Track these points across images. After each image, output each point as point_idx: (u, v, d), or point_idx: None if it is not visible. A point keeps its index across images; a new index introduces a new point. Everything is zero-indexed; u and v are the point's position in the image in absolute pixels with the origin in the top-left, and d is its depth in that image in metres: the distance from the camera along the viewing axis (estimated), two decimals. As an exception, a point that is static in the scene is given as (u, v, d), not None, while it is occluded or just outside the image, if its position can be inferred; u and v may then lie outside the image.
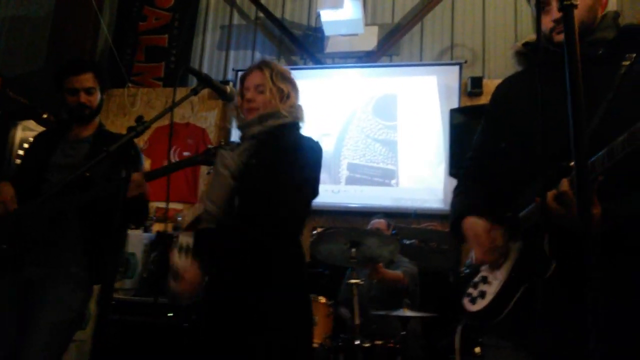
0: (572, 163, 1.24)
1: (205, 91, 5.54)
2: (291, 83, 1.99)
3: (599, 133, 1.25)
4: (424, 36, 5.23)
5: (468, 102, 4.74)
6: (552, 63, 1.44)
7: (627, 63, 1.33)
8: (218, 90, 1.88)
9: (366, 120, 5.07)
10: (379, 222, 3.84)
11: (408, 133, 4.92)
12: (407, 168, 4.87)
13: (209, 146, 2.08)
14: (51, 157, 2.29)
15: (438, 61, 5.09)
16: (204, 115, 5.43)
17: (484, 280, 1.46)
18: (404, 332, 3.06)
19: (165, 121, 5.55)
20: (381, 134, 5.01)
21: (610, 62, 1.35)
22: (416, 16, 5.16)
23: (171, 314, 3.62)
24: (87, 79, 2.32)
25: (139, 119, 1.74)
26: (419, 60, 5.17)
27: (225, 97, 1.90)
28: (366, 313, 3.34)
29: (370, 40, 5.22)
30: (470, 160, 1.66)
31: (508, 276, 1.38)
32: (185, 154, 5.28)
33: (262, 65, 1.95)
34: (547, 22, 1.43)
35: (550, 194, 1.23)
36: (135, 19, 5.87)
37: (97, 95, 2.36)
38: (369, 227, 3.87)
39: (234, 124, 2.05)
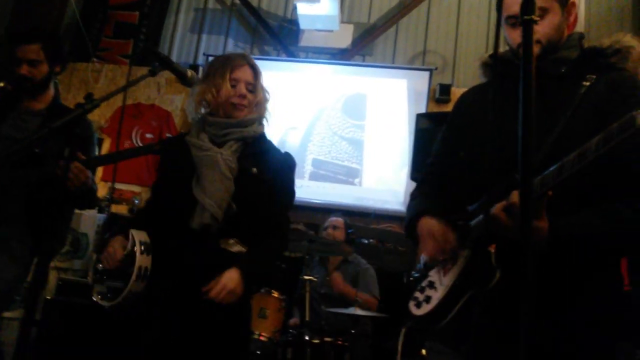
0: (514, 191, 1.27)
1: (188, 72, 5.41)
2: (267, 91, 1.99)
3: (554, 149, 1.27)
4: (398, 39, 5.26)
5: (435, 108, 4.80)
6: (516, 77, 1.46)
7: (587, 83, 1.35)
8: (178, 73, 1.81)
9: (335, 118, 5.07)
10: (336, 220, 3.85)
11: (375, 134, 4.95)
12: (371, 168, 4.90)
13: (168, 135, 2.02)
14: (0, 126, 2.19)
15: (410, 65, 5.14)
16: (170, 97, 5.31)
17: (431, 285, 1.47)
18: (353, 331, 3.09)
19: (128, 100, 5.39)
20: (348, 132, 5.02)
21: (571, 80, 1.37)
22: (392, 18, 5.19)
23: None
24: (32, 50, 2.20)
25: (88, 97, 1.67)
26: (392, 63, 5.20)
27: (185, 82, 1.84)
28: (317, 309, 3.35)
29: (345, 37, 5.21)
30: (429, 166, 1.67)
31: (453, 283, 1.39)
32: (148, 135, 5.16)
33: (252, 62, 1.91)
34: (515, 37, 1.44)
35: (499, 205, 1.24)
36: (107, -8, 5.69)
37: (43, 68, 2.24)
38: (326, 224, 3.88)
39: (191, 108, 1.92)
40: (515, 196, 1.22)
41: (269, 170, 1.83)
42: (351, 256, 3.74)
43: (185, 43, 5.58)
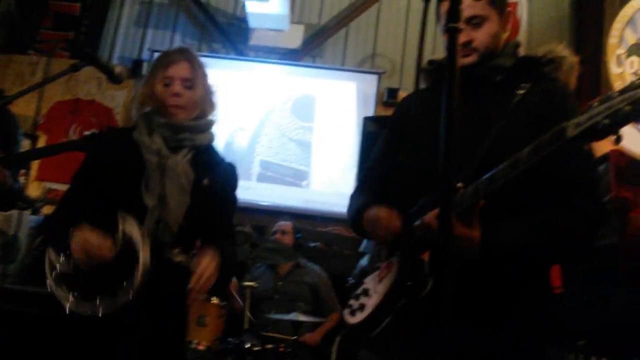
0: (460, 184, 1.27)
1: (116, 68, 5.19)
2: (208, 79, 1.83)
3: (487, 157, 1.28)
4: (348, 42, 5.26)
5: (383, 112, 4.82)
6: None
7: (521, 92, 1.37)
8: (104, 69, 1.70)
9: (283, 119, 5.01)
10: (285, 225, 3.79)
11: (323, 136, 4.93)
12: (319, 171, 4.88)
13: (92, 132, 1.88)
14: None
15: (359, 68, 5.15)
16: (111, 94, 5.09)
17: (366, 292, 1.45)
18: (295, 337, 3.04)
19: (66, 95, 5.16)
20: (297, 134, 4.97)
21: (506, 88, 1.39)
22: (342, 20, 5.18)
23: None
24: None
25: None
26: (342, 65, 5.19)
27: (113, 79, 1.72)
28: (261, 316, 3.29)
29: (295, 38, 5.16)
30: (368, 170, 1.66)
31: (387, 291, 1.37)
32: (87, 133, 4.92)
33: (189, 57, 1.75)
34: None
35: (432, 213, 1.23)
36: (46, -19, 5.40)
37: None
38: (274, 229, 3.81)
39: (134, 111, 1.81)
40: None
41: (218, 181, 1.74)
42: (302, 261, 3.70)
43: (129, 37, 5.38)
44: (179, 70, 1.72)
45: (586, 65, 4.52)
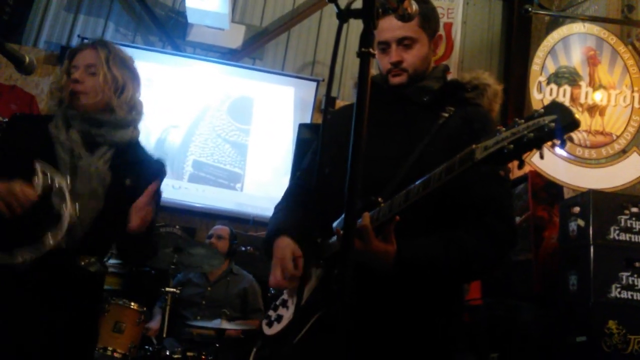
0: (380, 199, 1.30)
1: (41, 53, 4.91)
2: (131, 72, 1.75)
3: (408, 175, 1.31)
4: (289, 46, 5.24)
5: (320, 119, 4.85)
6: (382, 101, 1.49)
7: (445, 115, 1.43)
8: (11, 58, 1.54)
9: (219, 119, 4.91)
10: (222, 229, 3.70)
11: (259, 139, 4.88)
12: (253, 174, 4.82)
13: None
14: None
15: (298, 74, 5.14)
16: (35, 80, 4.78)
17: (284, 303, 1.45)
18: (218, 345, 2.98)
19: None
20: (233, 135, 4.89)
21: (432, 110, 1.44)
22: (284, 24, 5.16)
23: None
24: None
25: None
26: (281, 69, 5.17)
27: (22, 69, 1.58)
28: (183, 322, 3.20)
29: (235, 38, 5.08)
30: (297, 179, 1.67)
31: (305, 302, 1.36)
32: (5, 120, 4.59)
33: (97, 45, 1.69)
34: (385, 63, 1.49)
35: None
36: (-34, -46, 4.98)
37: None
38: (210, 232, 3.71)
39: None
40: (366, 218, 1.23)
41: (142, 180, 1.66)
42: (234, 268, 3.64)
43: (58, 22, 5.07)
44: (83, 57, 1.67)
45: (513, 89, 4.79)
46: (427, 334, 1.33)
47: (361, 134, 0.93)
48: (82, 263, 1.56)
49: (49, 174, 1.49)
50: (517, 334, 3.06)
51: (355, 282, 1.17)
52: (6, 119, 4.56)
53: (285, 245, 1.42)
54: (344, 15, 1.01)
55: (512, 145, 1.01)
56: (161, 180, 1.76)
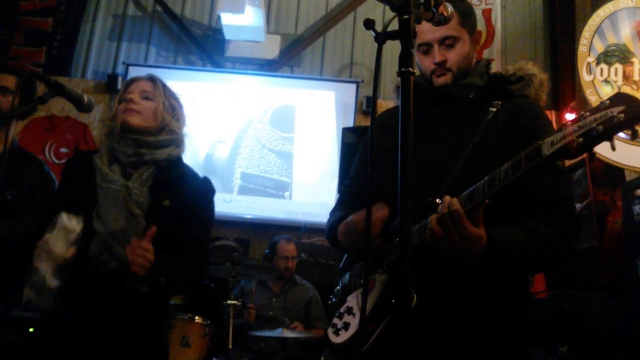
0: (438, 200, 1.28)
1: (90, 83, 5.13)
2: (181, 107, 1.85)
3: (462, 174, 1.31)
4: (325, 51, 5.26)
5: (363, 121, 4.84)
6: (427, 102, 1.48)
7: (493, 109, 1.41)
8: (72, 99, 1.66)
9: (263, 130, 4.99)
10: (289, 250, 3.70)
11: (304, 146, 4.91)
12: (300, 181, 4.86)
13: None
14: None
15: (337, 77, 5.15)
16: (87, 110, 5.01)
17: (349, 311, 1.45)
18: (282, 353, 3.03)
19: (40, 112, 5.06)
20: (277, 144, 4.95)
21: (479, 106, 1.43)
22: (319, 30, 5.18)
23: (32, 330, 3.28)
24: (6, 79, 2.05)
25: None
26: (319, 74, 5.19)
27: (82, 108, 1.70)
28: (246, 333, 3.26)
29: (272, 48, 5.14)
30: (346, 187, 1.68)
31: (372, 309, 1.37)
32: (63, 150, 4.84)
33: (153, 77, 1.80)
34: (428, 64, 1.48)
35: (433, 217, 1.22)
36: (17, -4, 5.29)
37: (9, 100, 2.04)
38: (279, 253, 3.70)
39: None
40: (455, 203, 1.20)
41: (184, 201, 1.71)
42: (296, 278, 3.69)
43: (103, 51, 5.29)
44: (138, 85, 1.76)
45: (561, 72, 4.62)
46: (499, 329, 1.32)
47: (408, 150, 0.95)
48: (132, 285, 1.59)
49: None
50: (586, 325, 2.94)
51: (423, 280, 1.18)
52: (65, 149, 4.82)
53: (355, 215, 1.44)
54: (382, 38, 1.01)
55: (581, 139, 0.99)
56: (211, 197, 1.83)
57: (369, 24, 1.05)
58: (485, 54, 4.67)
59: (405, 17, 1.00)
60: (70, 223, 1.57)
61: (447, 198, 1.21)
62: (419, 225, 1.28)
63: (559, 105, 4.67)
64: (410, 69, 0.97)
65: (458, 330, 1.30)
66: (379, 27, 1.04)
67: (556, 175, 1.34)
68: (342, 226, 1.48)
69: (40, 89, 1.70)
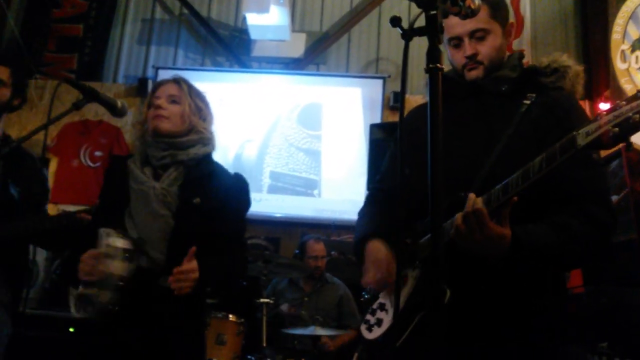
0: (472, 194, 1.27)
1: (121, 87, 5.25)
2: (207, 106, 1.89)
3: (495, 167, 1.30)
4: (351, 47, 5.24)
5: (390, 116, 4.81)
6: (458, 96, 1.46)
7: (527, 102, 1.39)
8: (106, 104, 1.72)
9: (290, 128, 5.01)
10: (318, 250, 3.71)
11: (332, 143, 4.92)
12: (329, 179, 4.87)
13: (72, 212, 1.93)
14: None
15: (363, 73, 5.13)
16: (119, 113, 5.12)
17: (382, 307, 1.45)
18: (315, 351, 3.05)
19: (74, 117, 5.20)
20: (305, 143, 4.97)
21: (512, 99, 1.41)
22: (344, 26, 5.17)
23: (72, 329, 3.39)
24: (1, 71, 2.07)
25: (6, 139, 1.57)
26: (345, 71, 5.18)
27: (116, 113, 1.75)
28: (279, 331, 3.29)
29: (297, 46, 5.16)
30: (377, 183, 1.68)
31: (404, 305, 1.37)
32: (97, 153, 4.97)
33: (178, 79, 1.84)
34: (459, 58, 1.47)
35: (459, 215, 1.22)
36: (49, 5, 5.44)
37: (6, 93, 2.09)
38: (309, 253, 3.71)
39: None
40: (478, 202, 1.20)
41: (214, 197, 1.75)
42: (327, 276, 3.71)
43: (133, 55, 5.41)
44: (165, 89, 1.80)
45: (594, 61, 4.49)
46: (535, 326, 1.30)
47: (438, 147, 0.95)
48: (165, 283, 1.61)
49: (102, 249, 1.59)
50: (625, 321, 2.86)
51: (457, 275, 1.18)
52: (99, 153, 4.94)
53: (377, 249, 1.44)
54: (408, 35, 1.01)
55: (617, 129, 0.98)
56: (241, 192, 1.85)
57: (395, 21, 1.05)
58: (515, 44, 4.58)
59: (432, 12, 0.99)
60: (114, 240, 1.60)
61: (472, 196, 1.20)
62: (450, 221, 1.27)
63: (592, 95, 4.54)
64: (438, 64, 0.97)
65: (488, 325, 1.29)
66: (405, 24, 1.04)
67: (591, 168, 1.31)
68: (367, 252, 1.47)
69: (75, 94, 1.76)
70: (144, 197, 1.69)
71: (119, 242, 1.59)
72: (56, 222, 1.94)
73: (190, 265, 1.58)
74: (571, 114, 1.36)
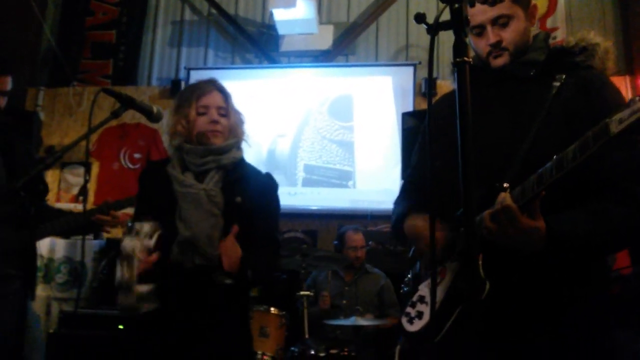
0: (506, 184, 1.26)
1: (156, 90, 5.36)
2: (240, 112, 1.96)
3: (529, 155, 1.28)
4: (379, 36, 5.20)
5: (422, 103, 4.75)
6: (486, 84, 1.44)
7: (557, 84, 1.36)
8: (143, 111, 1.77)
9: (322, 121, 5.02)
10: (357, 240, 3.72)
11: (364, 134, 4.90)
12: (363, 169, 4.86)
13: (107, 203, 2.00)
14: None
15: (393, 61, 5.08)
16: (155, 115, 5.25)
17: (422, 299, 1.45)
18: (357, 340, 3.07)
19: (113, 122, 5.36)
20: (337, 134, 4.97)
21: (541, 82, 1.38)
22: (371, 15, 5.13)
23: (121, 327, 3.51)
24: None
25: (49, 150, 1.64)
26: (375, 60, 5.14)
27: (152, 118, 1.79)
28: (319, 322, 3.33)
29: (325, 39, 5.15)
30: (408, 177, 1.68)
31: (444, 297, 1.37)
32: (136, 155, 5.11)
33: (222, 88, 1.90)
34: (483, 46, 1.45)
35: (486, 213, 1.22)
36: (82, 13, 5.60)
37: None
38: (347, 244, 3.72)
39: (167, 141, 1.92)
40: (507, 199, 1.20)
41: (251, 197, 1.82)
42: (368, 267, 3.73)
43: (165, 57, 5.52)
44: (213, 99, 1.85)
45: (633, 35, 4.31)
46: (578, 313, 1.28)
47: (468, 140, 0.95)
48: (218, 279, 1.69)
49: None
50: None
51: (498, 266, 1.17)
52: (138, 155, 5.08)
53: (416, 219, 1.46)
54: (434, 29, 1.00)
55: None
56: (275, 191, 1.92)
57: (419, 17, 1.04)
58: (549, 22, 4.44)
59: (457, 5, 0.98)
60: (145, 229, 1.67)
61: (502, 195, 1.19)
62: (486, 212, 1.26)
63: (634, 70, 4.37)
64: (465, 58, 0.97)
65: (521, 319, 1.27)
66: (432, 11, 1.03)
67: (631, 148, 1.27)
68: (407, 227, 1.48)
69: (112, 99, 1.83)
70: (194, 199, 1.75)
71: (146, 227, 1.68)
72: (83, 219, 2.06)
73: (235, 242, 1.68)
74: (602, 93, 1.32)
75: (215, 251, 1.70)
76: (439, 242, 1.39)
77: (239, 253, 1.67)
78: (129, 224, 1.72)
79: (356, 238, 3.71)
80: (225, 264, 1.66)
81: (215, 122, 1.81)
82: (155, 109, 1.78)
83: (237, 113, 1.91)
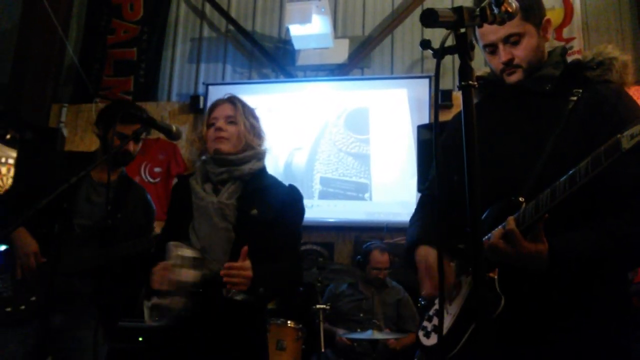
0: (522, 198, 1.26)
1: (175, 105, 5.46)
2: (259, 122, 1.99)
3: (545, 171, 1.28)
4: (395, 49, 5.23)
5: (439, 115, 4.74)
6: (501, 98, 1.45)
7: (574, 98, 1.37)
8: (162, 130, 1.84)
9: (338, 134, 5.05)
10: (382, 260, 3.68)
11: (380, 146, 4.91)
12: (379, 182, 4.86)
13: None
14: (75, 197, 2.19)
15: (409, 74, 5.09)
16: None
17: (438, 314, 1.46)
18: (374, 354, 3.06)
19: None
20: (353, 147, 4.99)
21: (558, 97, 1.39)
22: (386, 28, 5.16)
23: (141, 339, 3.55)
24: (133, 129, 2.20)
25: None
26: (390, 73, 5.17)
27: (171, 136, 1.86)
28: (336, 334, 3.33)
29: (341, 53, 5.20)
30: (426, 191, 1.69)
31: (460, 311, 1.37)
32: (157, 169, 5.19)
33: (233, 99, 1.94)
34: (496, 64, 1.47)
35: (497, 233, 1.23)
36: (103, 32, 5.76)
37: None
38: (371, 264, 3.70)
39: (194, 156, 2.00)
40: (511, 223, 1.22)
41: (271, 209, 1.82)
42: (387, 280, 3.72)
43: (184, 74, 5.62)
44: (222, 110, 1.90)
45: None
46: (597, 329, 1.27)
47: (475, 164, 0.98)
48: (229, 294, 1.69)
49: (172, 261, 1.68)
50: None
51: (512, 288, 1.17)
52: (159, 169, 5.16)
53: (428, 254, 1.45)
54: (440, 54, 1.02)
55: None
56: (296, 203, 1.92)
57: (425, 44, 1.07)
58: (565, 32, 4.42)
59: (462, 31, 1.00)
60: (183, 250, 1.70)
61: (508, 219, 1.21)
62: (495, 231, 1.27)
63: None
64: (470, 81, 0.98)
65: (535, 327, 1.28)
66: (438, 38, 1.06)
67: (638, 162, 1.25)
68: (417, 261, 1.48)
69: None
70: (204, 211, 1.79)
71: (188, 252, 1.69)
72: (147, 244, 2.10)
73: (243, 263, 1.66)
74: (618, 108, 1.32)
75: (221, 266, 1.69)
76: (448, 280, 1.39)
77: (247, 274, 1.65)
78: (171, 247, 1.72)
79: (382, 260, 3.69)
80: (229, 286, 1.65)
81: (219, 129, 1.85)
82: (174, 127, 1.85)
83: (250, 121, 1.92)
